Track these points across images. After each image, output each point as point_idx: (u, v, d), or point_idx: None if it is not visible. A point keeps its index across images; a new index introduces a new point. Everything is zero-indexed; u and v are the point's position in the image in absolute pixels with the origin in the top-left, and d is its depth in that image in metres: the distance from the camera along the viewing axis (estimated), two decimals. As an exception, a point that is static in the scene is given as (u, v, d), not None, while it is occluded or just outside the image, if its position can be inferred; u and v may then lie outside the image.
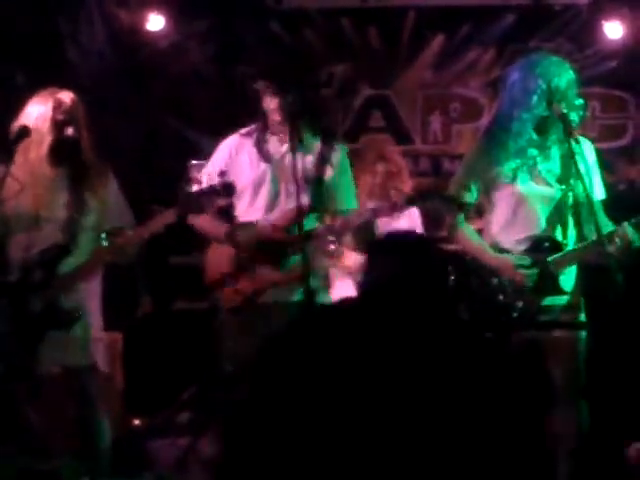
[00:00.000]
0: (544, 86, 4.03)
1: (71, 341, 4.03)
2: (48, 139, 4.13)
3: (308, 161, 4.30)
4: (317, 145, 4.33)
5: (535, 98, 4.04)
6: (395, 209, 4.30)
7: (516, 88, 4.11)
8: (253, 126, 4.42)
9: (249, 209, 4.35)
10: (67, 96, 4.17)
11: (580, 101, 4.08)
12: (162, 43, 7.22)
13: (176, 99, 7.33)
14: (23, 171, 4.11)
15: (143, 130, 7.25)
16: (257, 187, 4.33)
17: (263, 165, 4.32)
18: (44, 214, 4.12)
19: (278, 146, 4.34)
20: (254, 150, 4.35)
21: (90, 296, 4.18)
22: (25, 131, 4.05)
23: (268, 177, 4.32)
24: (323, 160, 4.26)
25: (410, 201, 4.35)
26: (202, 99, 7.22)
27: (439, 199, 4.24)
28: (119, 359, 5.53)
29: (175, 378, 6.14)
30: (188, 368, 6.04)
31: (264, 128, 4.36)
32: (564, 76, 4.07)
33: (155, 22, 7.10)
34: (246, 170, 4.34)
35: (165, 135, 7.22)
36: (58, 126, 4.12)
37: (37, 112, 4.13)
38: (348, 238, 4.98)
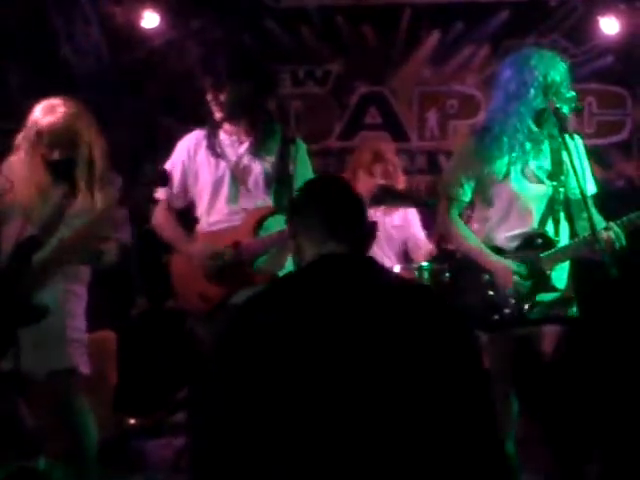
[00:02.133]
0: (540, 78, 4.01)
1: (48, 344, 3.99)
2: (37, 159, 4.09)
3: (268, 161, 4.23)
4: (277, 145, 4.24)
5: (532, 91, 4.02)
6: None
7: (512, 83, 4.08)
8: (205, 129, 4.34)
9: (210, 210, 4.26)
10: (50, 120, 4.02)
11: (571, 93, 4.06)
12: (157, 41, 7.21)
13: (171, 97, 7.32)
14: (15, 167, 4.09)
15: (137, 129, 7.24)
16: (217, 188, 4.24)
17: (221, 166, 4.25)
18: (35, 212, 4.09)
19: (236, 147, 4.26)
20: (209, 147, 4.28)
21: (73, 298, 4.14)
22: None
23: (227, 178, 4.24)
24: (284, 159, 4.19)
25: (376, 199, 4.32)
26: (197, 98, 7.20)
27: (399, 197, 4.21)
28: (113, 358, 5.52)
29: (169, 378, 6.13)
30: (182, 368, 6.02)
31: (214, 130, 4.28)
32: (558, 68, 4.05)
33: (150, 20, 7.08)
34: (206, 169, 4.27)
35: (160, 134, 7.20)
36: (43, 149, 4.06)
37: (30, 123, 4.07)
38: None
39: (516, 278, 4.02)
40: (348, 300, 2.28)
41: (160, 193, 4.36)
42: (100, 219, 4.03)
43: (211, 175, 4.26)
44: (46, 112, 4.04)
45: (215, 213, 4.25)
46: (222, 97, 4.17)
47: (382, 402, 2.09)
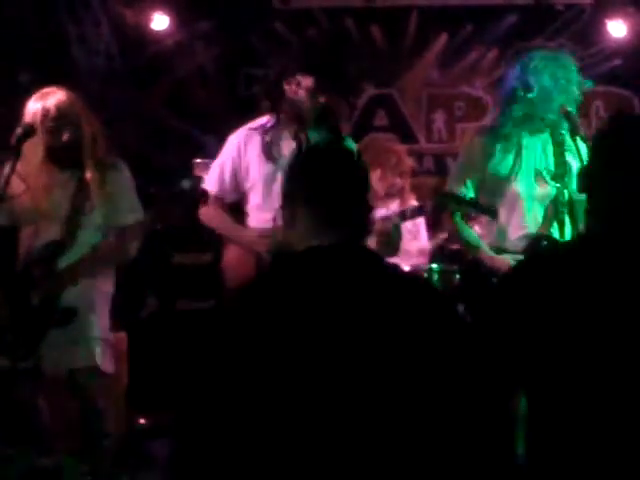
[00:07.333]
0: (543, 83, 4.05)
1: (75, 341, 4.04)
2: (41, 147, 4.12)
3: None
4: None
5: (530, 95, 4.07)
6: (422, 211, 4.31)
7: (512, 85, 4.13)
8: (263, 121, 4.36)
9: (263, 205, 4.28)
10: (55, 100, 4.05)
11: (574, 92, 4.10)
12: (167, 43, 7.25)
13: (180, 98, 7.36)
14: (26, 170, 4.13)
15: (147, 129, 7.28)
16: (269, 183, 4.26)
17: (273, 163, 4.27)
18: (45, 211, 4.12)
19: (290, 143, 4.27)
20: (263, 149, 4.30)
21: (100, 297, 4.19)
22: (30, 130, 4.04)
23: (280, 175, 4.19)
24: None
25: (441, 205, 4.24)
26: (206, 99, 7.24)
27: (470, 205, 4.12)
28: (124, 359, 5.54)
29: (179, 377, 6.15)
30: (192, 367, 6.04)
31: (276, 127, 4.32)
32: (560, 70, 4.09)
33: (160, 22, 7.13)
34: (256, 166, 4.29)
35: (169, 134, 7.25)
36: (49, 134, 4.12)
37: (31, 114, 4.10)
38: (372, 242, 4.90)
39: None
40: (343, 296, 2.10)
41: (210, 186, 4.41)
42: (134, 229, 4.10)
43: (262, 172, 4.28)
44: (44, 98, 4.07)
45: (268, 208, 4.24)
46: (321, 98, 4.18)
47: (373, 400, 2.02)
